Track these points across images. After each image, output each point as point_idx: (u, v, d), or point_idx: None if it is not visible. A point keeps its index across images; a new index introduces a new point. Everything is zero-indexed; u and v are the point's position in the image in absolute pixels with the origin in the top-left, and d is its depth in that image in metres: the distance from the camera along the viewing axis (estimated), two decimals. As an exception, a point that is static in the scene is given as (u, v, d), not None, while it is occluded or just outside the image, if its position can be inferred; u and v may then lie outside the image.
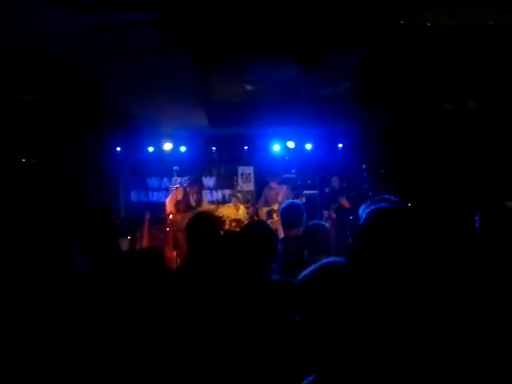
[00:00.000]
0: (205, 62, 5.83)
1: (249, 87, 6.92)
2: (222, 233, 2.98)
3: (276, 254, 2.48)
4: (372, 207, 1.26)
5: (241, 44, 5.44)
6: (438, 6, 4.31)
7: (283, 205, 3.80)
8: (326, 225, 3.70)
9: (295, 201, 4.02)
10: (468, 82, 6.10)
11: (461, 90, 6.41)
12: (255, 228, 2.63)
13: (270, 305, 2.20)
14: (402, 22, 4.53)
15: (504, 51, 5.25)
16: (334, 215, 7.31)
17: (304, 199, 7.91)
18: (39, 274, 1.42)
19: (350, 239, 3.28)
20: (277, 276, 2.48)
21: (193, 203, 7.19)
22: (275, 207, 7.48)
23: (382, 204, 2.10)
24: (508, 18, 4.56)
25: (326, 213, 7.63)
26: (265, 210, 7.80)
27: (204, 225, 2.63)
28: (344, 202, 7.28)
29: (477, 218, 2.87)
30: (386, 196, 2.33)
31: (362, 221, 2.06)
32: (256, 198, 8.85)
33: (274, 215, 7.36)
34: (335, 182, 7.77)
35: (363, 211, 2.19)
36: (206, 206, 7.44)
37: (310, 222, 3.55)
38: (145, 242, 7.65)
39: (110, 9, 4.51)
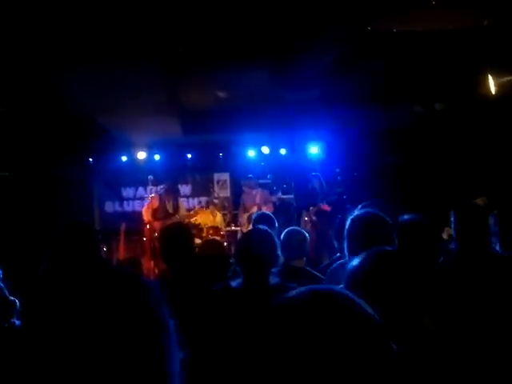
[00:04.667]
0: (176, 70, 5.83)
1: (221, 94, 6.94)
2: (197, 241, 2.99)
3: (276, 259, 2.51)
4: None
5: (211, 52, 5.46)
6: (403, 13, 4.42)
7: (254, 215, 3.94)
8: (303, 230, 3.74)
9: (266, 212, 4.17)
10: (434, 84, 6.24)
11: (428, 92, 6.56)
12: (254, 234, 2.65)
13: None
14: (369, 28, 4.62)
15: (468, 54, 5.40)
16: (313, 217, 7.20)
17: (280, 194, 7.84)
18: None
19: (335, 242, 3.28)
20: (275, 280, 2.51)
21: (170, 210, 7.15)
22: (254, 210, 7.43)
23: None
24: (468, 22, 4.70)
25: (305, 213, 7.47)
26: (245, 216, 7.75)
27: (176, 236, 2.63)
28: (324, 206, 7.20)
29: (452, 218, 2.90)
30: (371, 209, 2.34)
31: (347, 226, 2.09)
32: (233, 204, 8.83)
33: None
34: (316, 182, 7.53)
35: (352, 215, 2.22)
36: (183, 213, 7.39)
37: (287, 228, 3.59)
38: (121, 253, 7.55)
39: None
